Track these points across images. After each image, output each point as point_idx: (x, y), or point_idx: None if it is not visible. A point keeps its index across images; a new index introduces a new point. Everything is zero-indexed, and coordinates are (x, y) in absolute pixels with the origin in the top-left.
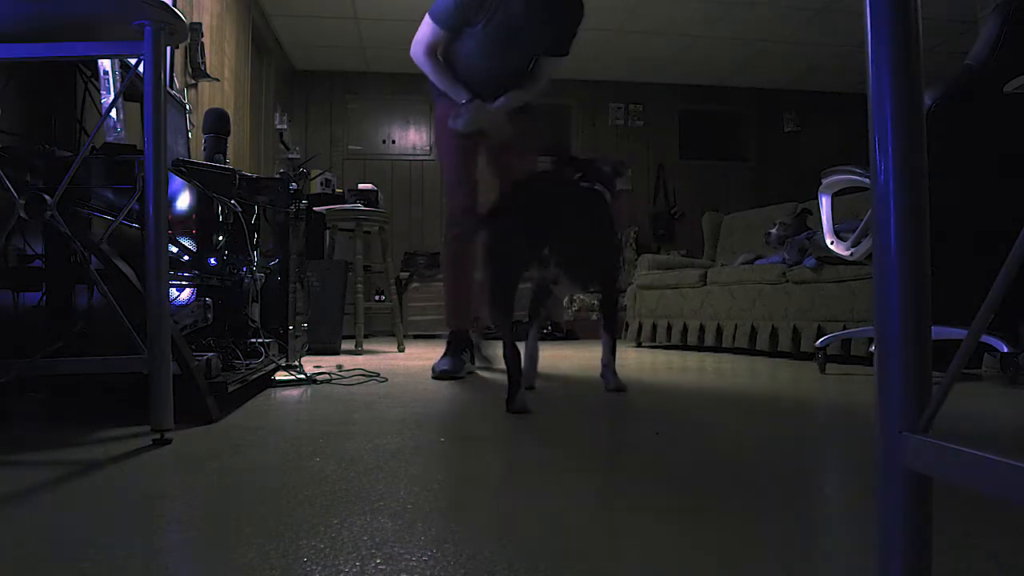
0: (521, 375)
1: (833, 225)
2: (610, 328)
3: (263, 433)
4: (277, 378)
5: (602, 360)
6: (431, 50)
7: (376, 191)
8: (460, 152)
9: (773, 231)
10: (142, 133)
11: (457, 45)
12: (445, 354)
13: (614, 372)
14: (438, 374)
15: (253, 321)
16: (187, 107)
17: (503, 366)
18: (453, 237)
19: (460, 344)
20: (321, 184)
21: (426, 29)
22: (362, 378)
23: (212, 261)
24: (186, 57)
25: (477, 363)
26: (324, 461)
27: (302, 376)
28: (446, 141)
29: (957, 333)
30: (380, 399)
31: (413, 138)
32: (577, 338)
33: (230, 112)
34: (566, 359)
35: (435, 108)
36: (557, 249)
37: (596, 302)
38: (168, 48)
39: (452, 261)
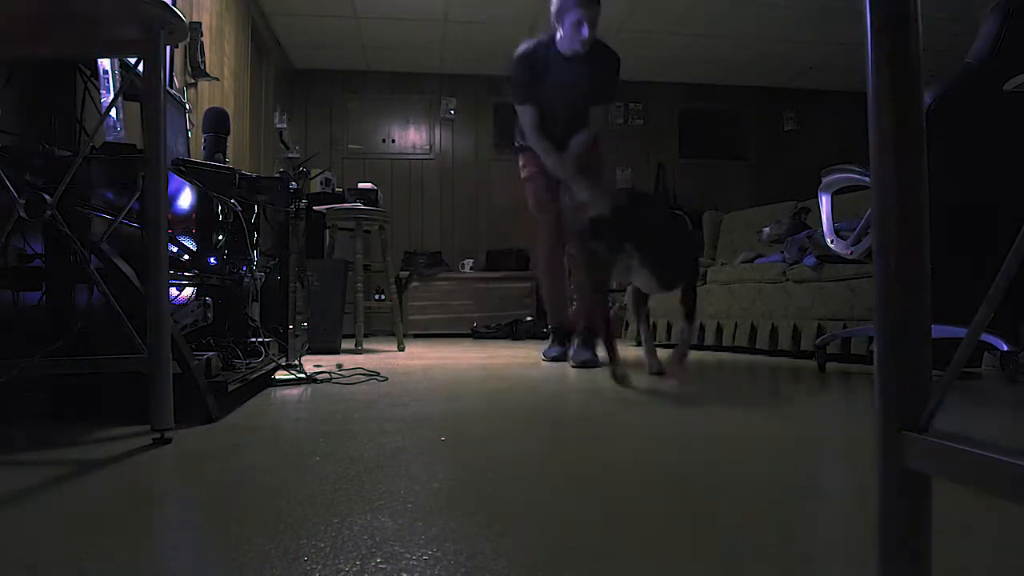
0: (618, 352)
1: (833, 224)
2: (689, 320)
3: (263, 432)
4: (277, 377)
5: (677, 348)
6: (535, 127)
7: (376, 190)
8: (544, 186)
9: (765, 230)
10: (142, 133)
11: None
12: (553, 343)
13: (682, 357)
14: (550, 359)
15: (253, 320)
16: (187, 106)
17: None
18: (543, 240)
19: (562, 336)
20: (321, 183)
21: (521, 113)
22: (362, 377)
23: (212, 260)
24: (186, 56)
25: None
26: (324, 460)
27: (302, 375)
28: (534, 182)
29: (957, 332)
30: (380, 398)
31: (413, 137)
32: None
33: (230, 111)
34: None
35: (521, 158)
36: (642, 248)
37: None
38: (168, 47)
39: (547, 263)
